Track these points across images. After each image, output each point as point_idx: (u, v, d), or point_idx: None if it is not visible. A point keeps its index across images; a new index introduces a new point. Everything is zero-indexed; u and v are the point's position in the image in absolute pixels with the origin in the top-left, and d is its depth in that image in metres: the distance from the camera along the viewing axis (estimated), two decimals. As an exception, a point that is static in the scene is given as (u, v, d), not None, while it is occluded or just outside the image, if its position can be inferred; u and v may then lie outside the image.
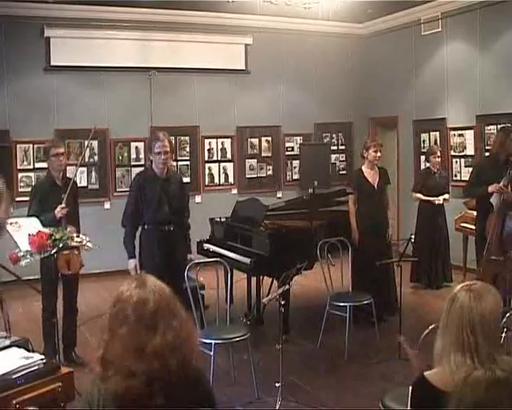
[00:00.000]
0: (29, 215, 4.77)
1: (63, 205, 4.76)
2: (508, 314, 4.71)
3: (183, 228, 4.99)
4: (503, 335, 4.48)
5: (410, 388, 2.17)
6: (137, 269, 4.73)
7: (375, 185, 6.11)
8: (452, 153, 8.37)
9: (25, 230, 4.40)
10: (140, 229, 4.90)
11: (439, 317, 2.16)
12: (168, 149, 4.79)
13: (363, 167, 6.20)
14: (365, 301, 5.42)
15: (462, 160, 8.21)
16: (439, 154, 7.38)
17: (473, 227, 7.12)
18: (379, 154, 6.09)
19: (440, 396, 1.99)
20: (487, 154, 6.98)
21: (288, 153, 9.69)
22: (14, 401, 2.53)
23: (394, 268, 5.83)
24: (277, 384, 4.27)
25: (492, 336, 2.01)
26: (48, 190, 4.94)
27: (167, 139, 4.81)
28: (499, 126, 7.10)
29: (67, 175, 5.32)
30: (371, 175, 6.13)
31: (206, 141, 9.06)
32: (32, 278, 4.86)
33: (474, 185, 5.88)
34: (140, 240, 4.89)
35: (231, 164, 9.26)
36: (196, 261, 4.68)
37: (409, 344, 2.72)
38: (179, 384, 1.81)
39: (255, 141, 9.45)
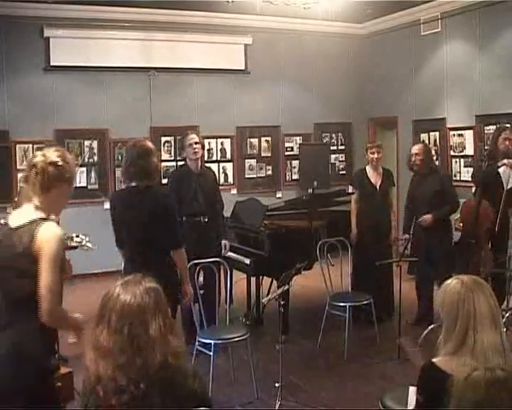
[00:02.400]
0: None
1: None
2: (507, 314, 4.72)
3: (216, 220, 5.37)
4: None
5: (419, 372, 2.24)
6: None
7: (378, 186, 6.11)
8: (452, 153, 8.37)
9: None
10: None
11: (438, 316, 2.20)
12: (198, 140, 5.33)
13: (367, 167, 6.21)
14: (365, 301, 5.42)
15: (462, 160, 8.22)
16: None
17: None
18: (376, 155, 6.09)
19: (449, 379, 2.03)
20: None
21: (287, 153, 9.69)
22: (14, 401, 2.52)
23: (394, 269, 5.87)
24: (277, 384, 4.27)
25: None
26: None
27: (197, 134, 5.43)
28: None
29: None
30: (374, 176, 6.14)
31: (206, 141, 9.03)
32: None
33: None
34: None
35: (231, 164, 9.26)
36: (196, 262, 4.68)
37: (408, 344, 2.73)
38: (161, 386, 1.85)
39: (255, 141, 9.45)
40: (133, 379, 1.81)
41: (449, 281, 2.28)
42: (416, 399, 2.22)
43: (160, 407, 1.83)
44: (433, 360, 2.20)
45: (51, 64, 8.11)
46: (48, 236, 2.46)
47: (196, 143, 5.30)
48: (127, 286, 1.93)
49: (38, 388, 2.42)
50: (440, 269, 5.52)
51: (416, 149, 6.01)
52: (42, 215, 2.54)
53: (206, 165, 5.66)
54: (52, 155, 2.59)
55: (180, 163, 8.82)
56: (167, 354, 1.86)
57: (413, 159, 5.94)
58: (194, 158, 5.32)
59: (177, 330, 2.00)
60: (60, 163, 2.58)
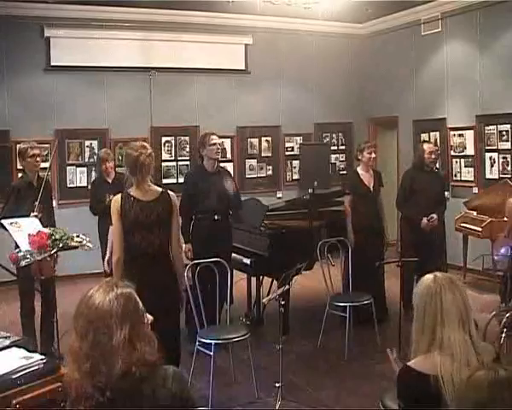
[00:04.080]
0: (3, 216, 4.87)
1: (35, 213, 4.86)
2: (508, 314, 4.71)
3: (229, 218, 5.57)
4: (503, 335, 4.48)
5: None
6: (190, 252, 5.34)
7: (371, 187, 6.10)
8: (452, 153, 8.37)
9: (25, 230, 4.41)
10: (193, 218, 5.47)
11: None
12: (219, 141, 5.52)
13: (358, 169, 6.19)
14: (365, 301, 5.41)
15: (462, 160, 8.21)
16: None
17: (472, 227, 7.13)
18: (373, 155, 6.10)
19: (425, 379, 2.10)
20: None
21: (287, 153, 9.69)
22: (14, 401, 2.53)
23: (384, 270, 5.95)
24: (277, 384, 4.27)
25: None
26: (24, 191, 5.10)
27: (217, 136, 5.53)
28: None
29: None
30: (367, 177, 6.12)
31: (206, 141, 9.05)
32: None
33: None
34: (192, 227, 5.41)
35: (231, 164, 9.25)
36: (196, 262, 4.68)
37: (393, 356, 2.71)
38: (126, 395, 1.82)
39: (255, 141, 9.45)
40: (98, 386, 1.78)
41: (425, 277, 2.29)
42: (398, 405, 2.22)
43: None
44: (409, 363, 2.20)
45: (52, 64, 8.11)
46: (175, 198, 3.86)
47: (219, 144, 5.50)
48: (99, 290, 1.88)
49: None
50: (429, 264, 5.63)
51: (434, 147, 6.26)
52: (159, 188, 3.81)
53: (221, 165, 5.75)
54: (143, 150, 3.83)
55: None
56: (131, 364, 1.80)
57: (428, 157, 6.06)
58: (214, 158, 5.45)
59: (152, 335, 1.92)
60: (149, 151, 3.85)
